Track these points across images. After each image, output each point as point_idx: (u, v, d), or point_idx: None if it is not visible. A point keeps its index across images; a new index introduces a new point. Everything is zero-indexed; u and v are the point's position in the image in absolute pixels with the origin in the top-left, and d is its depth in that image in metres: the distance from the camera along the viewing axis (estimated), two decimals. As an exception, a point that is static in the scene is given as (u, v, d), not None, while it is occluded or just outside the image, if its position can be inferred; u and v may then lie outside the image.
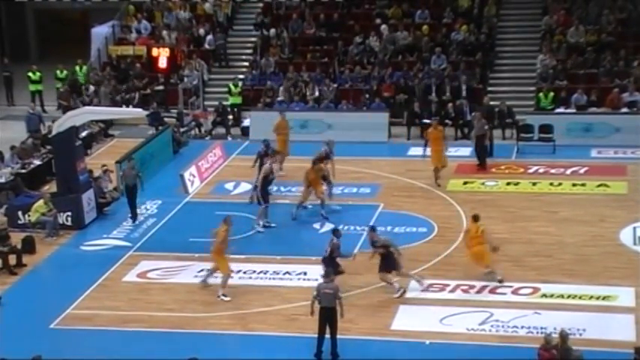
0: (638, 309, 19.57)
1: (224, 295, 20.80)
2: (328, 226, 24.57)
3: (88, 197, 25.46)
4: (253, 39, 38.98)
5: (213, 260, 21.41)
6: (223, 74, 38.03)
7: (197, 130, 34.26)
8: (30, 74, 37.06)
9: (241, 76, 37.06)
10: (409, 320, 19.57)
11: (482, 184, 27.73)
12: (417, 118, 33.18)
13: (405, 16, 38.02)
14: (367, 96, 34.76)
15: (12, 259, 22.89)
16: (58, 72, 37.20)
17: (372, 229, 21.43)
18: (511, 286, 20.76)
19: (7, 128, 34.17)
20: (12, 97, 38.47)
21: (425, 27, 37.07)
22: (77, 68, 37.58)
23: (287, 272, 22.04)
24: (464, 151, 30.66)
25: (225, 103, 34.90)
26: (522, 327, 19.03)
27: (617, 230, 23.81)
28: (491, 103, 32.40)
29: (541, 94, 33.42)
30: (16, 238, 23.71)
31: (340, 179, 27.70)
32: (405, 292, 20.68)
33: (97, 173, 27.05)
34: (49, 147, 29.04)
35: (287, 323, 19.60)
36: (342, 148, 29.63)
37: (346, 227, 24.28)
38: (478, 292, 20.64)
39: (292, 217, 25.11)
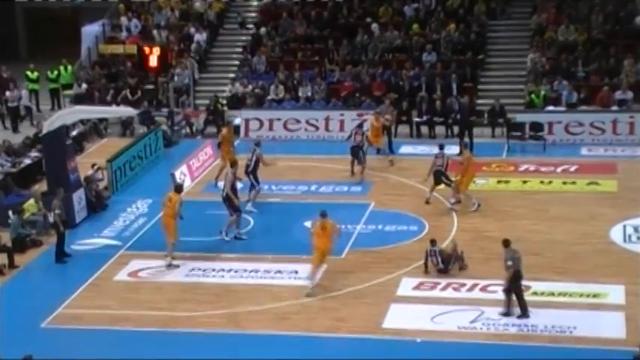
0: (628, 306, 19.61)
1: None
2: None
3: (78, 196, 25.44)
4: (244, 37, 38.99)
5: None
6: (214, 72, 38.06)
7: (188, 128, 34.25)
8: (28, 73, 36.98)
9: (232, 75, 37.07)
10: (400, 318, 19.58)
11: (473, 182, 27.70)
12: (407, 116, 33.23)
13: (395, 15, 38.08)
14: (357, 95, 34.78)
15: (2, 259, 22.90)
16: (49, 73, 37.14)
17: None
18: (502, 284, 20.75)
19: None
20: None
21: (415, 25, 37.15)
22: (62, 68, 37.46)
23: (278, 271, 22.04)
24: (455, 150, 30.65)
25: (219, 94, 35.01)
26: (513, 325, 19.06)
27: (608, 228, 23.86)
28: (483, 101, 32.54)
29: (533, 96, 33.41)
30: (6, 237, 23.68)
31: (331, 178, 27.79)
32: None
33: (88, 172, 27.06)
34: (39, 146, 29.01)
35: (278, 322, 19.61)
36: (333, 146, 29.77)
37: (337, 226, 24.28)
38: (469, 290, 20.67)
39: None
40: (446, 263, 21.44)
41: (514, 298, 19.33)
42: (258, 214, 25.38)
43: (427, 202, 25.63)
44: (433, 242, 21.83)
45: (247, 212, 25.28)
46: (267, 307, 20.30)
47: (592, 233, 23.70)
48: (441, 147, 26.47)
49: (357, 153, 28.03)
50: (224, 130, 28.75)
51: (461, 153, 26.53)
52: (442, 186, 25.71)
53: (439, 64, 35.46)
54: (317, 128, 33.01)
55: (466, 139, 30.37)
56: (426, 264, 21.52)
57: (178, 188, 23.39)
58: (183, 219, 22.53)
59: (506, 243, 19.55)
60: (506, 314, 19.28)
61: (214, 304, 20.57)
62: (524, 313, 19.23)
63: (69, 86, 37.09)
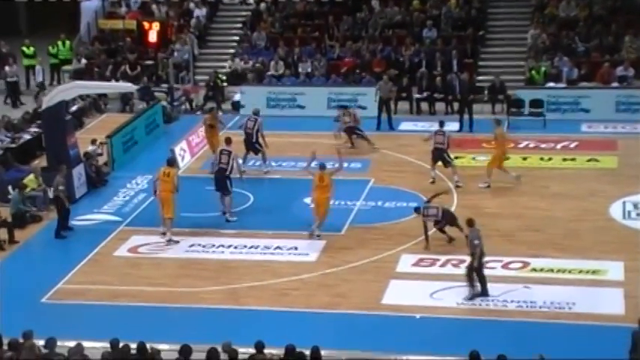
0: (628, 283, 19.64)
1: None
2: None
3: (78, 172, 25.42)
4: (244, 13, 38.87)
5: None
6: (214, 48, 37.96)
7: (187, 104, 34.20)
8: (24, 49, 36.84)
9: (232, 51, 36.97)
10: (400, 295, 19.61)
11: (473, 158, 27.76)
12: (407, 92, 33.17)
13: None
14: (358, 71, 34.70)
15: (3, 234, 22.92)
16: (50, 48, 37.02)
17: None
18: (501, 261, 20.82)
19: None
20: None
21: (416, 1, 37.03)
22: (60, 43, 37.28)
23: (278, 247, 22.07)
24: (454, 126, 30.65)
25: (219, 70, 34.93)
26: (512, 301, 19.09)
27: (607, 205, 23.87)
28: (483, 77, 32.44)
29: (533, 72, 33.34)
30: (6, 213, 23.70)
31: (331, 154, 27.70)
32: None
33: (88, 148, 27.05)
34: (39, 121, 28.97)
35: (278, 298, 19.65)
36: (333, 123, 29.66)
37: (337, 202, 24.26)
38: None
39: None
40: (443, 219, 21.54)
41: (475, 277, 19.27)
42: (258, 191, 25.38)
43: (432, 182, 25.45)
44: (417, 209, 21.91)
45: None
46: (267, 283, 20.33)
47: (592, 210, 23.71)
48: (442, 124, 26.39)
49: (353, 132, 28.32)
50: (207, 117, 28.35)
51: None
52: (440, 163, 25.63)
53: (439, 40, 35.34)
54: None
55: (466, 115, 30.51)
56: (427, 238, 21.49)
57: (172, 162, 23.43)
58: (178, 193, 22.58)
59: (470, 222, 19.55)
60: (484, 293, 19.19)
61: (214, 279, 20.61)
62: (479, 292, 19.20)
63: (67, 61, 36.97)
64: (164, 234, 22.54)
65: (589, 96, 31.64)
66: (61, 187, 23.17)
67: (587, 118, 30.95)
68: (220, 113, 29.54)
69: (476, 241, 19.11)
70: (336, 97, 32.67)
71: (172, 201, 22.48)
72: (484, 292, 19.21)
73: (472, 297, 19.13)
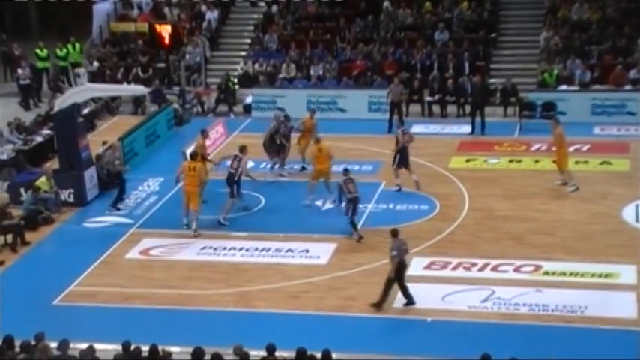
0: (640, 286, 19.61)
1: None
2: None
3: (90, 174, 25.47)
4: (255, 15, 38.91)
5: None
6: (226, 51, 38.00)
7: (199, 107, 34.25)
8: (37, 51, 36.88)
9: (243, 53, 37.01)
10: (411, 298, 19.60)
11: (485, 161, 27.72)
12: (418, 95, 33.14)
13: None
14: (369, 73, 34.68)
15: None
16: (58, 51, 37.06)
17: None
18: (512, 264, 20.78)
19: (4, 105, 34.19)
20: (10, 73, 38.30)
21: (427, 4, 37.02)
22: (70, 47, 37.31)
23: (289, 250, 22.06)
24: (466, 129, 30.62)
25: (231, 73, 34.93)
26: (524, 304, 19.03)
27: (620, 208, 23.79)
28: (495, 80, 32.36)
29: (546, 75, 33.28)
30: (19, 214, 23.76)
31: (342, 157, 27.70)
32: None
33: (100, 150, 27.09)
34: (51, 124, 29.04)
35: (289, 300, 19.64)
36: (344, 125, 29.69)
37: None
38: (480, 269, 20.65)
39: None
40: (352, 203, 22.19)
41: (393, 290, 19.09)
42: (270, 193, 25.38)
43: (418, 189, 25.22)
44: (346, 171, 22.73)
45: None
46: (278, 286, 20.32)
47: (604, 213, 23.64)
48: (402, 122, 26.27)
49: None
50: (200, 139, 25.62)
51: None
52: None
53: (451, 42, 35.34)
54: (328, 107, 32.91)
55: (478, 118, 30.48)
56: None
57: (195, 156, 23.69)
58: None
59: (394, 232, 19.41)
60: (378, 305, 18.97)
61: (225, 282, 20.62)
62: (410, 301, 19.03)
63: (78, 64, 37.00)
64: (194, 228, 22.91)
65: (602, 98, 31.55)
66: (117, 162, 24.63)
67: (600, 121, 30.88)
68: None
69: (394, 252, 18.95)
70: (377, 100, 32.57)
71: (198, 195, 22.91)
72: (409, 302, 19.05)
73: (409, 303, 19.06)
